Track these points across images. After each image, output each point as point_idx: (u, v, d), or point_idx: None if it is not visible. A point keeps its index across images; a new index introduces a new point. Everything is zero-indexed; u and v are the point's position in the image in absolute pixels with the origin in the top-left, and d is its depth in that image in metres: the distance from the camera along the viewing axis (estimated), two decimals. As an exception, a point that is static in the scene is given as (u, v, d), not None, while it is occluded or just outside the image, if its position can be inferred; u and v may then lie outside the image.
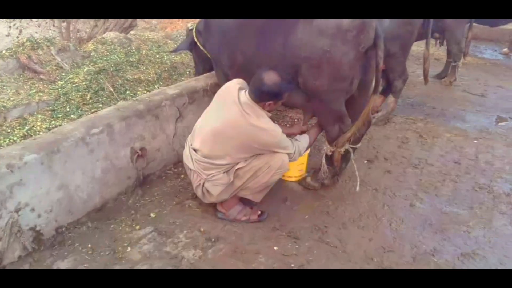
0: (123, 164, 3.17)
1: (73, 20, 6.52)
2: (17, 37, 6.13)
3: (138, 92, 4.38)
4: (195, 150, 2.80)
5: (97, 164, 2.96)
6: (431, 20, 4.22)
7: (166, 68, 5.05)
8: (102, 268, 2.46)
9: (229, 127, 2.65)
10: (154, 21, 8.79)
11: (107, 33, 5.62)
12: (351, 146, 3.17)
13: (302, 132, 3.26)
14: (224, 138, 2.68)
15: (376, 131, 4.40)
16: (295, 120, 4.61)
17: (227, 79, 3.57)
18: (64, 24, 6.58)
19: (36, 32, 5.86)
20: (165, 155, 3.59)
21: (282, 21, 2.80)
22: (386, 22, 2.91)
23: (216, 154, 2.72)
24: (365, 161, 3.82)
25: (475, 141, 4.36)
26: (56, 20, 6.28)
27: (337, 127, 3.08)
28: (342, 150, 3.13)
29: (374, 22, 2.69)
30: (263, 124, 2.63)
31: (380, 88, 4.64)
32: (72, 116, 3.67)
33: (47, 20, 6.70)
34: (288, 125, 4.39)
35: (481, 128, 4.68)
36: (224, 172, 2.75)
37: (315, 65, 2.78)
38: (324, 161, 3.24)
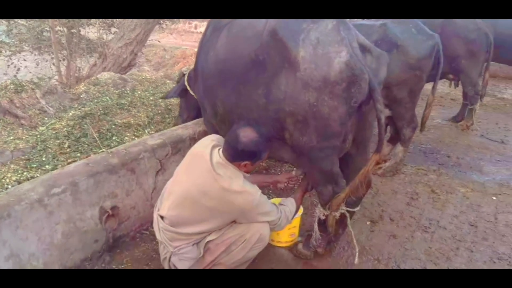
0: (90, 226, 2.83)
1: (73, 58, 6.43)
2: (14, 76, 6.03)
3: (126, 138, 4.11)
4: (161, 217, 2.44)
5: (56, 228, 2.63)
6: (441, 63, 3.85)
7: (160, 111, 4.79)
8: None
9: (198, 192, 2.30)
10: (154, 61, 8.65)
11: (101, 73, 5.44)
12: (348, 209, 2.76)
13: (290, 181, 2.90)
14: (193, 204, 2.32)
15: (383, 184, 3.97)
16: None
17: (213, 129, 3.28)
18: (65, 62, 6.50)
19: (30, 72, 5.73)
20: (142, 213, 3.25)
21: (263, 69, 2.49)
22: (384, 71, 2.56)
23: (184, 221, 2.36)
24: (368, 222, 3.39)
25: (494, 198, 3.88)
26: (55, 59, 6.19)
27: (330, 189, 2.69)
28: (337, 214, 2.72)
29: (367, 74, 2.34)
30: (237, 186, 2.27)
31: (387, 137, 4.33)
32: (47, 166, 3.39)
33: (47, 59, 6.64)
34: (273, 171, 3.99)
35: (501, 182, 4.20)
36: (193, 245, 2.37)
37: (301, 120, 2.43)
38: (316, 226, 2.83)
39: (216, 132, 3.22)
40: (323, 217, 2.75)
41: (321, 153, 2.53)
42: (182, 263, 2.36)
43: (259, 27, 2.55)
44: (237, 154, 2.28)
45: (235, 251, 2.36)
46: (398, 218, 3.47)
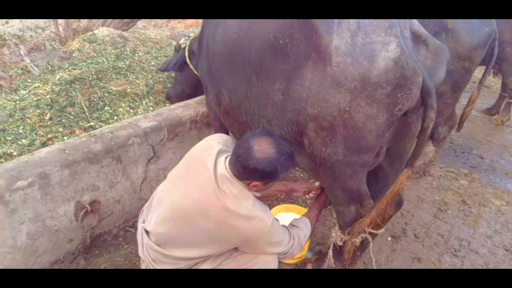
0: (63, 224, 2.40)
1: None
2: (6, 22, 5.46)
3: (120, 109, 3.62)
4: (147, 232, 1.97)
5: (20, 228, 2.20)
6: (495, 55, 3.23)
7: (161, 79, 4.24)
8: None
9: (194, 208, 1.81)
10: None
11: (100, 28, 4.83)
12: (372, 231, 2.28)
13: (309, 191, 2.39)
14: (186, 223, 1.84)
15: (408, 189, 3.47)
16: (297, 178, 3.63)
17: (216, 116, 2.76)
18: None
19: (21, 21, 5.13)
20: (128, 207, 2.80)
21: (283, 57, 1.93)
22: (442, 71, 2.00)
23: (173, 242, 1.90)
24: (389, 238, 2.92)
25: (533, 214, 3.38)
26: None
27: (353, 209, 2.20)
28: (358, 240, 2.24)
29: (421, 77, 1.78)
30: (244, 209, 1.77)
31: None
32: (23, 140, 2.93)
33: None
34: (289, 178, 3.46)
35: (541, 195, 3.68)
36: (180, 272, 1.92)
37: (327, 127, 1.91)
38: (330, 253, 2.34)
39: (219, 119, 2.70)
40: (341, 243, 2.28)
41: (348, 169, 2.02)
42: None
43: (283, 1, 1.96)
44: (247, 172, 1.75)
45: (232, 288, 1.91)
46: (424, 234, 3.00)
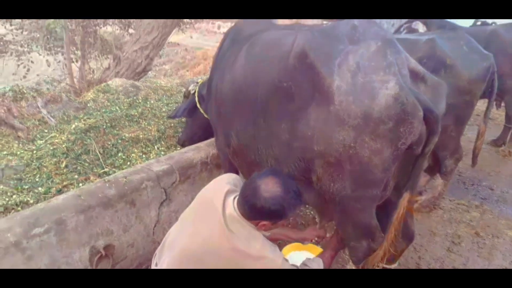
0: (78, 270, 2.43)
1: (87, 60, 6.11)
2: (24, 77, 5.74)
3: (133, 155, 3.73)
4: (160, 273, 2.00)
5: (37, 274, 2.23)
6: (495, 87, 3.32)
7: (172, 124, 4.38)
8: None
9: (202, 249, 1.85)
10: (175, 61, 8.29)
11: (113, 79, 5.06)
12: (386, 266, 2.28)
13: (318, 238, 2.41)
14: (197, 265, 1.87)
15: (419, 223, 3.45)
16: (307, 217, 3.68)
17: (226, 157, 2.84)
18: (78, 63, 6.18)
19: (38, 75, 5.41)
20: (141, 251, 2.83)
21: (288, 99, 2.04)
22: (442, 105, 2.08)
23: None
24: (403, 273, 2.89)
25: (548, 245, 3.33)
26: (67, 60, 5.87)
27: (365, 244, 2.22)
28: (371, 275, 2.24)
29: (421, 111, 1.86)
30: (254, 250, 1.80)
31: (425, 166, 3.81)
32: (39, 188, 3.02)
33: (60, 59, 6.33)
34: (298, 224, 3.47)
35: (553, 225, 3.64)
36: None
37: (333, 164, 1.97)
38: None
39: (229, 160, 2.78)
40: (354, 278, 2.28)
41: (357, 203, 2.07)
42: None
43: (285, 47, 2.10)
44: (255, 212, 1.80)
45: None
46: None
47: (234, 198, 1.91)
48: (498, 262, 3.08)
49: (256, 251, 1.79)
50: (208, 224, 1.87)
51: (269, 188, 1.77)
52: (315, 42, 2.03)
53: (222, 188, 1.96)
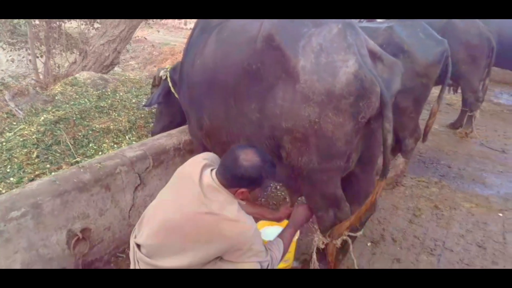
0: (55, 253, 2.48)
1: (52, 55, 6.01)
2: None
3: (104, 145, 3.76)
4: (138, 246, 2.09)
5: (15, 258, 2.28)
6: (449, 71, 3.56)
7: (143, 115, 4.43)
8: None
9: (181, 216, 1.95)
10: (141, 57, 8.27)
11: (81, 72, 5.03)
12: (351, 234, 2.46)
13: (289, 217, 2.54)
14: (174, 231, 1.96)
15: (383, 199, 3.68)
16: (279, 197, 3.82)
17: (199, 140, 2.94)
18: (43, 58, 6.07)
19: (2, 70, 5.30)
20: (118, 234, 2.90)
21: (256, 80, 2.16)
22: (397, 83, 2.26)
23: (162, 252, 2.01)
24: (369, 243, 3.09)
25: (500, 214, 3.62)
26: (31, 56, 5.76)
27: (332, 214, 2.38)
28: (339, 242, 2.42)
29: (378, 87, 2.03)
30: (230, 213, 1.92)
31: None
32: (11, 179, 3.02)
33: (24, 55, 6.20)
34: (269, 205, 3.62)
35: (505, 196, 3.95)
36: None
37: (300, 139, 2.11)
38: (314, 256, 2.51)
39: (202, 144, 2.89)
40: (323, 246, 2.44)
41: (323, 175, 2.22)
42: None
43: (252, 32, 2.22)
44: (235, 180, 1.94)
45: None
46: (401, 238, 3.19)
47: (212, 170, 2.03)
48: (456, 230, 3.34)
49: (232, 214, 1.91)
50: (186, 195, 1.98)
51: (249, 157, 1.92)
52: (280, 26, 2.16)
53: (199, 163, 2.08)
